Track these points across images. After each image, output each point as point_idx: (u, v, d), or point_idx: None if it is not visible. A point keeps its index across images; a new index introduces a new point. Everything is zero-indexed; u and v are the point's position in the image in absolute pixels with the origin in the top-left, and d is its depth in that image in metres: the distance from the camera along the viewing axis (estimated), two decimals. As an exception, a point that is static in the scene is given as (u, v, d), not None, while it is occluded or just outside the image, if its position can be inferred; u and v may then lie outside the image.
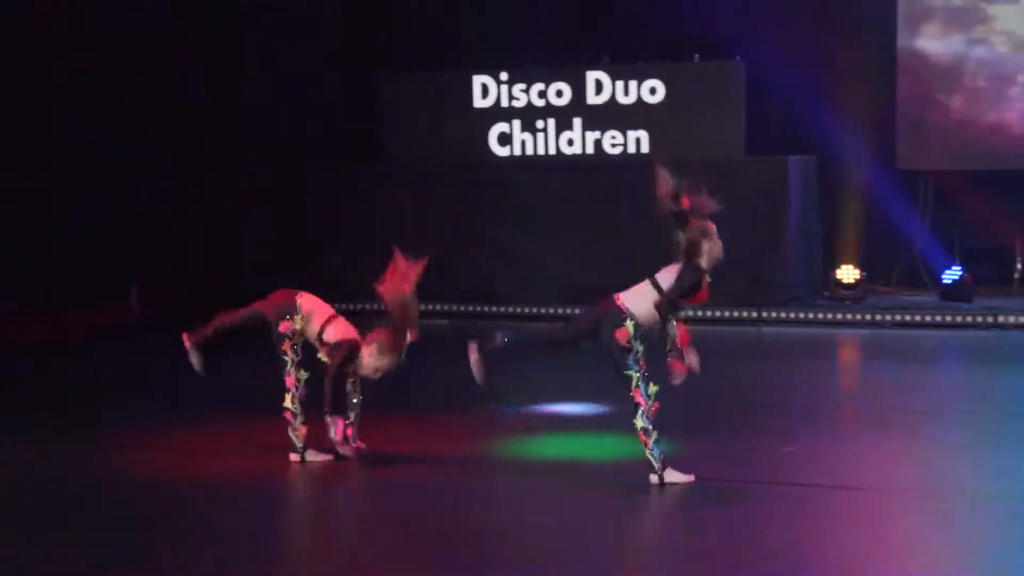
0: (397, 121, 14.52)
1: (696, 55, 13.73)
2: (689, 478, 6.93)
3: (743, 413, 8.95)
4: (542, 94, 14.10)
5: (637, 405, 6.90)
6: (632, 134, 13.87)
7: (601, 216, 13.68)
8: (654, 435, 6.89)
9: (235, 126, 15.31)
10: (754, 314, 13.17)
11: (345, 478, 7.38)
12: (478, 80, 14.29)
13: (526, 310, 13.75)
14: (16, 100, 15.11)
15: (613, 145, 13.95)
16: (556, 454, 7.82)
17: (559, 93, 14.06)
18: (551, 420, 8.91)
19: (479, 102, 14.30)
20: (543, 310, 13.70)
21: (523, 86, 14.16)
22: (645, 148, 13.82)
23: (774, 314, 13.13)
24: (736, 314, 13.21)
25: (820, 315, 13.09)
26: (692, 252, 7.11)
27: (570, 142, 14.07)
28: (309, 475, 7.33)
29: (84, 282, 14.22)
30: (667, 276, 7.10)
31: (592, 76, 13.96)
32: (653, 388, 7.00)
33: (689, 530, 6.29)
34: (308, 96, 15.05)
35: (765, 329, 12.97)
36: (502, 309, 13.80)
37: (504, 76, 14.22)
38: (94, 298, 14.13)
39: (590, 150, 14.00)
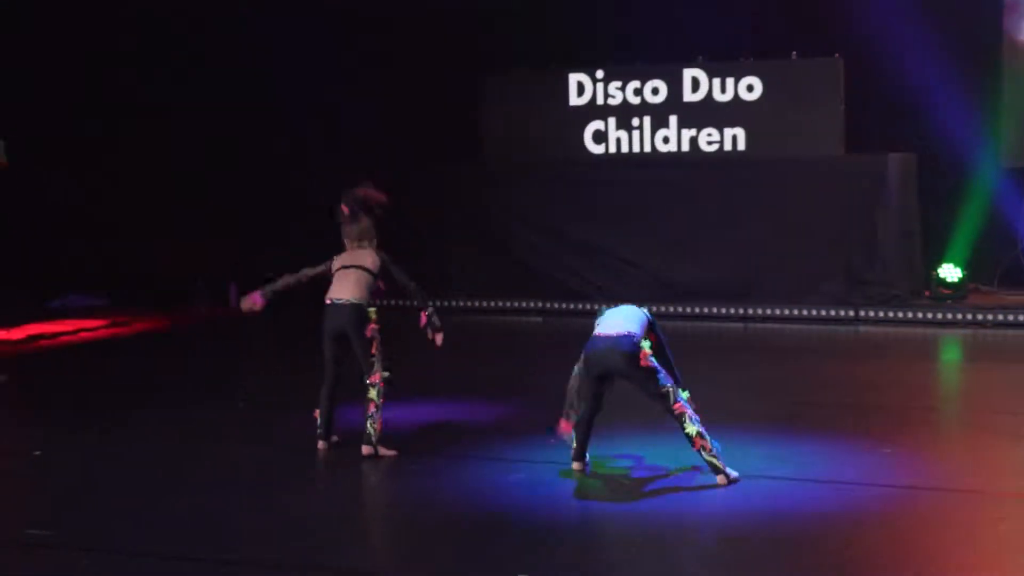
0: (495, 120, 14.57)
1: (795, 52, 13.59)
2: (735, 474, 6.91)
3: (840, 413, 8.85)
4: (638, 92, 14.07)
5: (682, 415, 6.85)
6: (729, 131, 13.78)
7: (696, 214, 13.61)
8: (708, 437, 6.87)
9: (337, 128, 15.44)
10: (852, 313, 13.03)
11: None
12: (574, 78, 14.29)
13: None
14: (117, 102, 15.43)
15: (709, 143, 13.87)
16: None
17: (655, 91, 14.02)
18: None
19: (575, 100, 14.31)
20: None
21: (619, 84, 14.14)
22: (742, 146, 13.74)
23: (872, 313, 12.97)
24: (834, 313, 13.08)
25: (920, 315, 12.89)
26: None
27: (665, 140, 14.02)
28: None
29: (184, 281, 14.51)
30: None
31: (689, 73, 13.90)
32: (685, 393, 6.99)
33: (783, 528, 6.24)
34: (409, 96, 15.14)
35: (863, 328, 12.82)
36: (596, 307, 13.78)
37: (600, 74, 14.21)
38: (194, 296, 14.41)
39: (685, 148, 13.94)
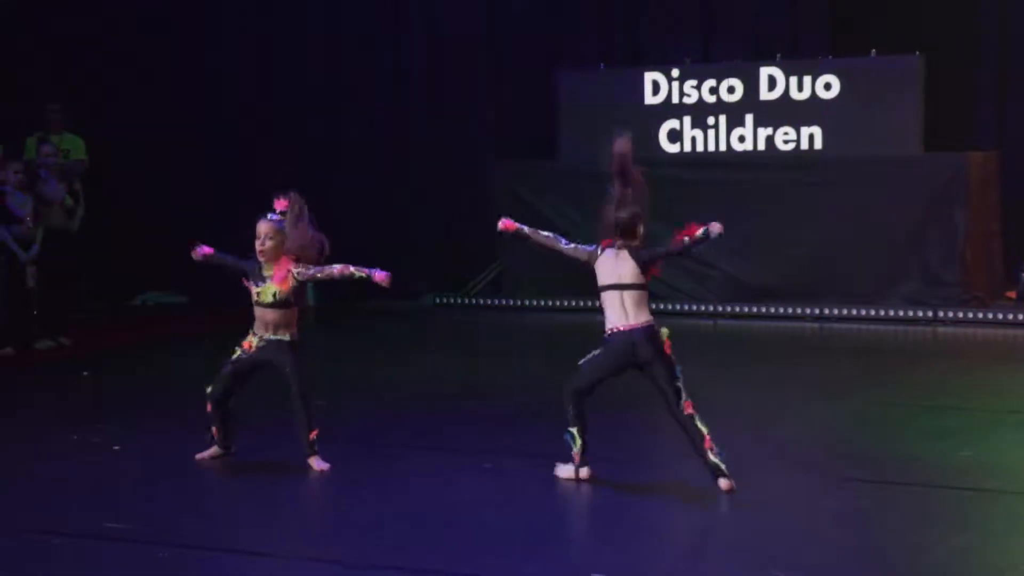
0: (570, 118, 14.55)
1: (873, 50, 13.45)
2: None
3: (917, 414, 8.75)
4: (713, 90, 13.99)
5: (692, 416, 6.69)
6: (805, 130, 13.67)
7: (772, 213, 13.51)
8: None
9: (405, 128, 15.52)
10: (930, 314, 12.86)
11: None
12: (649, 77, 14.24)
13: (694, 307, 13.68)
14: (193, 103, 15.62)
15: (785, 142, 13.76)
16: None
17: (731, 89, 13.93)
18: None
19: (650, 99, 14.25)
20: (711, 308, 13.62)
21: (694, 83, 14.07)
22: (819, 145, 13.62)
23: (951, 314, 12.80)
24: (911, 314, 12.93)
25: (999, 316, 12.70)
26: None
27: (741, 139, 13.93)
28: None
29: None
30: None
31: (765, 72, 13.80)
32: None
33: (859, 531, 6.17)
34: (486, 94, 15.19)
35: (941, 329, 12.65)
36: (670, 307, 13.75)
37: (675, 73, 14.14)
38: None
39: (761, 147, 13.84)
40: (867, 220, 13.14)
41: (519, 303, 14.29)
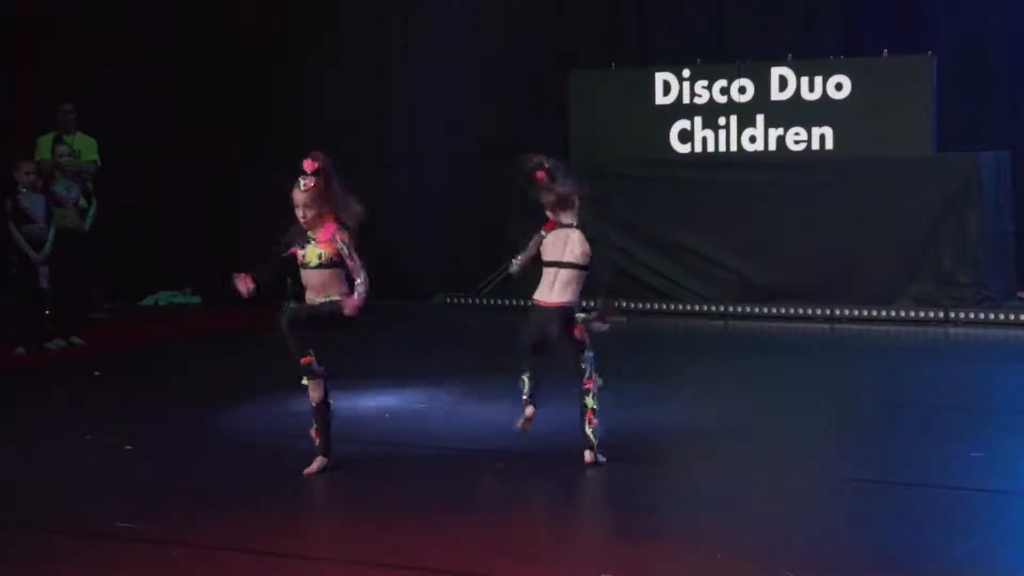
0: (581, 118, 14.55)
1: (885, 49, 13.42)
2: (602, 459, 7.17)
3: (929, 415, 8.73)
4: (724, 91, 13.98)
5: (587, 391, 7.18)
6: (816, 131, 13.64)
7: (783, 214, 13.51)
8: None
9: (415, 129, 15.52)
10: (942, 314, 12.84)
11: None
12: (660, 77, 14.23)
13: (704, 308, 13.68)
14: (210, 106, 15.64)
15: (796, 142, 13.74)
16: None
17: (742, 90, 13.92)
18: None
19: (661, 99, 14.25)
20: (722, 308, 13.62)
21: (705, 83, 14.06)
22: (830, 145, 13.60)
23: (963, 315, 12.77)
24: (923, 314, 12.91)
25: (1012, 316, 12.66)
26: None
27: (752, 139, 13.92)
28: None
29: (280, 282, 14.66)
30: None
31: (776, 72, 13.78)
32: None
33: (872, 532, 6.16)
34: (495, 94, 15.18)
35: (953, 330, 12.63)
36: (681, 307, 13.76)
37: (686, 73, 14.14)
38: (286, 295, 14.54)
39: (772, 147, 13.82)
40: (879, 221, 13.12)
41: (529, 303, 14.24)
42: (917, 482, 7.00)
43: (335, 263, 7.07)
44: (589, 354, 7.22)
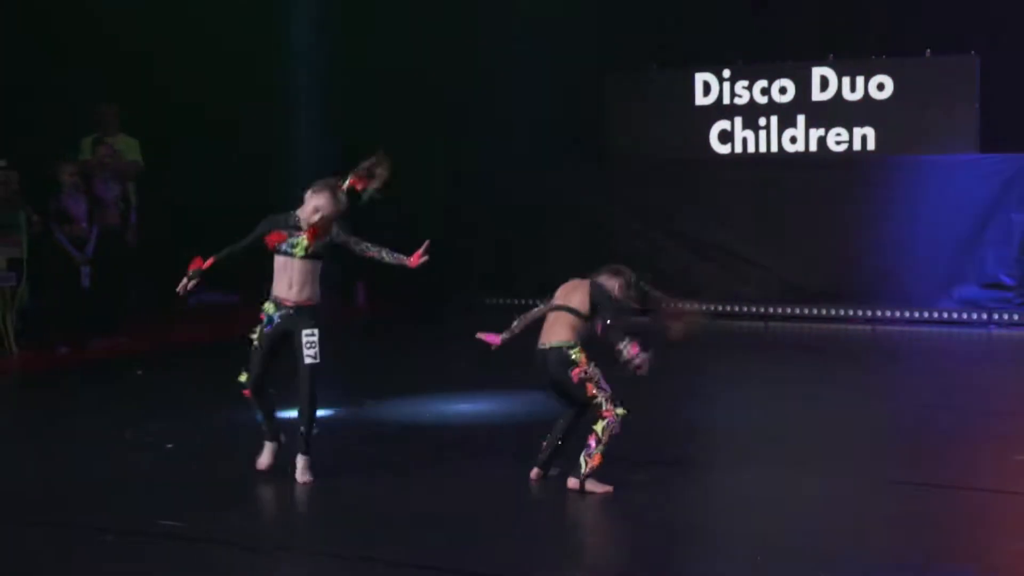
0: (621, 119, 14.53)
1: (928, 49, 13.33)
2: (608, 488, 6.68)
3: (972, 418, 8.66)
4: (765, 91, 13.93)
5: (604, 418, 6.69)
6: (858, 131, 13.59)
7: (824, 215, 13.44)
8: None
9: (455, 125, 15.53)
10: (985, 317, 12.73)
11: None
12: (700, 77, 14.20)
13: (745, 309, 13.63)
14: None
15: (838, 142, 13.67)
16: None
17: (783, 90, 13.86)
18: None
19: (701, 99, 14.21)
20: (762, 309, 13.57)
21: (746, 83, 14.01)
22: (872, 146, 13.53)
23: (1006, 316, 12.67)
24: (966, 316, 12.82)
25: (1056, 319, 12.57)
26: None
27: (793, 139, 13.86)
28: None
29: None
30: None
31: (817, 72, 13.72)
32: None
33: (915, 533, 6.11)
34: (537, 95, 15.18)
35: (996, 332, 12.52)
36: (721, 308, 13.71)
37: (727, 73, 14.09)
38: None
39: (813, 148, 13.76)
40: (921, 222, 13.05)
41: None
42: (961, 485, 6.94)
43: (320, 256, 7.06)
44: (600, 392, 6.69)
